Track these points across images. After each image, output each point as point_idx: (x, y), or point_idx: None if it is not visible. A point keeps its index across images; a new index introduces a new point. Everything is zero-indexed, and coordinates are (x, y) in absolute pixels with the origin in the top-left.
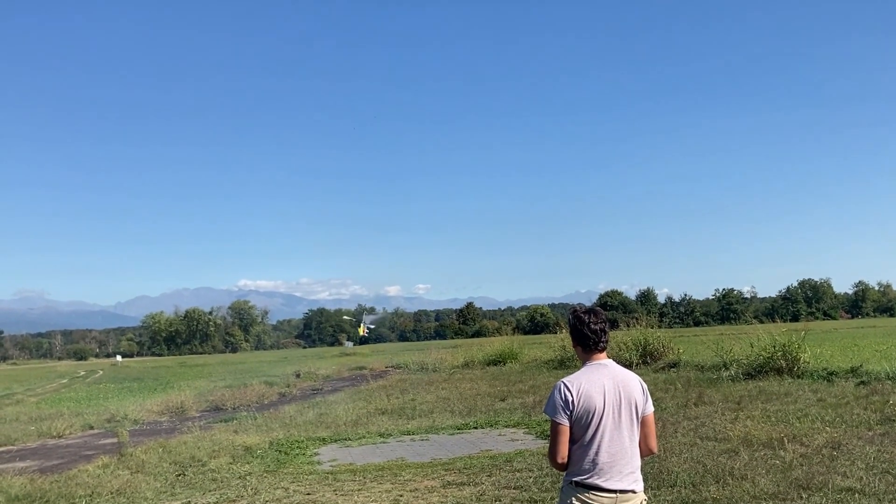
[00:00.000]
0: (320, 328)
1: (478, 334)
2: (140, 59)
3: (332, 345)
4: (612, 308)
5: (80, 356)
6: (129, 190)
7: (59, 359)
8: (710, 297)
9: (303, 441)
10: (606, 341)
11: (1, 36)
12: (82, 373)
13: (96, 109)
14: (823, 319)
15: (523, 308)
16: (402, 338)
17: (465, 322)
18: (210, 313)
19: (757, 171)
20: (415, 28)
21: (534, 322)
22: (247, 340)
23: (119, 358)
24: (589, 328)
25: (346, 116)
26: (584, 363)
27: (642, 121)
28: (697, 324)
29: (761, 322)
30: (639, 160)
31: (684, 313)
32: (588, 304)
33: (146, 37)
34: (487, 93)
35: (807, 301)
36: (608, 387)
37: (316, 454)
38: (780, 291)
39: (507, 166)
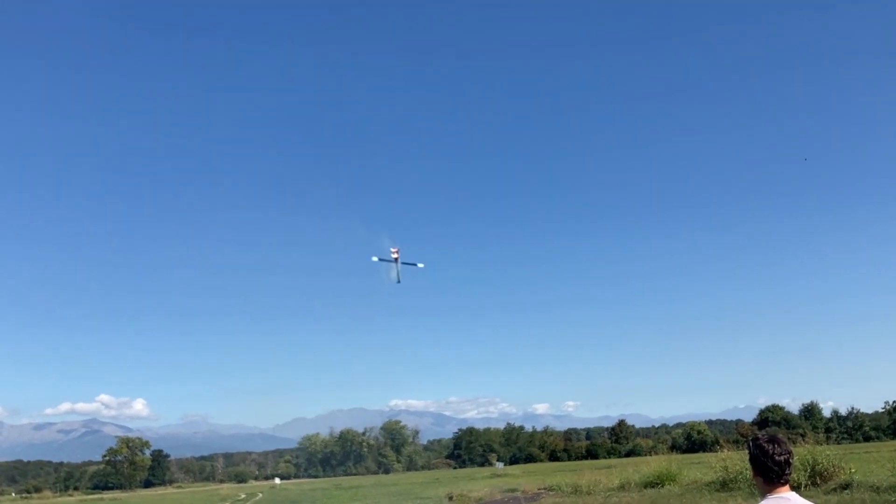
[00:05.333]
0: (470, 448)
1: (631, 453)
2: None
3: (481, 465)
4: (775, 424)
5: (241, 479)
6: (283, 319)
7: (221, 481)
8: (880, 410)
9: None
10: (790, 473)
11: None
12: (243, 496)
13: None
14: None
15: (678, 425)
16: (553, 457)
17: (617, 440)
18: (363, 434)
19: None
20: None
21: (690, 440)
22: (399, 461)
23: (278, 481)
24: (773, 460)
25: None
26: (763, 496)
27: (800, 225)
28: (867, 439)
29: None
30: (797, 269)
31: (852, 428)
32: (748, 420)
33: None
34: (628, 201)
35: None
36: None
37: None
38: None
39: (655, 275)
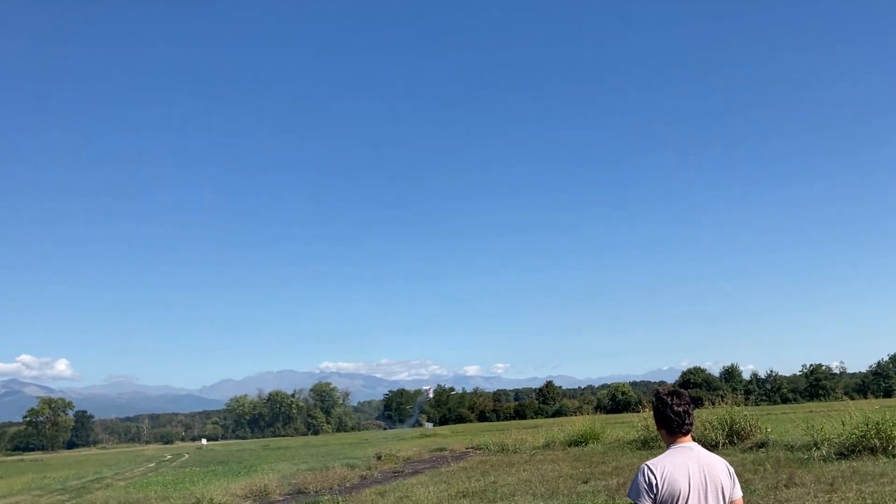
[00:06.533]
0: (400, 409)
1: (558, 414)
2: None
3: (411, 426)
4: (696, 386)
5: (167, 440)
6: (212, 278)
7: (147, 442)
8: (798, 373)
9: None
10: (691, 423)
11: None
12: (169, 456)
13: (167, 205)
14: None
15: (604, 386)
16: (482, 418)
17: (544, 401)
18: (293, 396)
19: (842, 242)
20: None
21: (615, 400)
22: (328, 422)
23: (204, 441)
24: (672, 410)
25: (417, 201)
26: (668, 446)
27: (723, 195)
28: (785, 401)
29: (852, 398)
30: (720, 234)
31: (771, 390)
32: (670, 382)
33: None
34: (561, 170)
35: None
36: (693, 470)
37: None
38: (870, 366)
39: (584, 242)
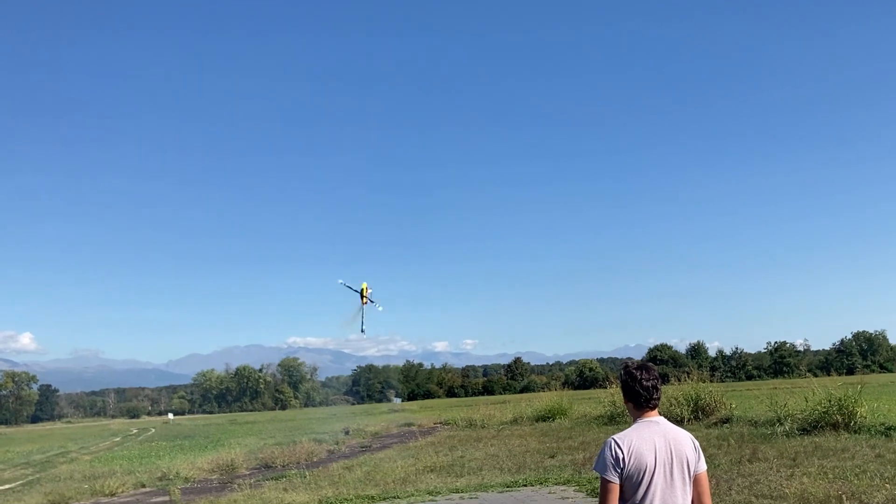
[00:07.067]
0: (369, 384)
1: (526, 389)
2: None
3: (380, 401)
4: (663, 362)
5: (133, 414)
6: (179, 251)
7: (113, 417)
8: (763, 351)
9: (351, 499)
10: (658, 398)
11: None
12: (135, 431)
13: (138, 174)
14: (880, 372)
15: (572, 363)
16: (450, 394)
17: (513, 377)
18: (260, 371)
19: (809, 221)
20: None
21: (582, 377)
22: (296, 397)
23: (171, 416)
24: (640, 384)
25: (395, 180)
26: (635, 420)
27: (689, 173)
28: (750, 378)
29: (815, 376)
30: (688, 212)
31: (736, 367)
32: (638, 358)
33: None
34: (530, 149)
35: (862, 354)
36: (659, 444)
37: None
38: (834, 344)
39: (553, 220)
